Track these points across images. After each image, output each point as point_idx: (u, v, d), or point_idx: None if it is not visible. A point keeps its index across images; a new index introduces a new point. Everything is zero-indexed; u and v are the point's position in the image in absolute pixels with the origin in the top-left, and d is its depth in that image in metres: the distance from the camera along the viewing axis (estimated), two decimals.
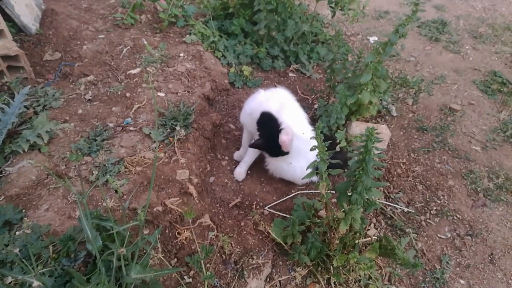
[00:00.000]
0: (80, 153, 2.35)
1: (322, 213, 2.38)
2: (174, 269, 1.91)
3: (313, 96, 3.41)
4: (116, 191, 2.12)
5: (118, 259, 1.67)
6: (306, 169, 2.02)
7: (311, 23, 3.75)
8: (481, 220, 2.57)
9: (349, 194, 2.03)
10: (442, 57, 3.86)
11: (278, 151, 2.40)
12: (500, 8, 4.61)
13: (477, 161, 2.91)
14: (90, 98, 2.82)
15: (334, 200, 2.20)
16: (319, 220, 2.32)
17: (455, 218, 2.59)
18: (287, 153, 2.43)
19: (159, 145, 2.50)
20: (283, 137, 2.32)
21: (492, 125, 3.18)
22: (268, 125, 2.39)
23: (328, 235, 2.26)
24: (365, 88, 2.67)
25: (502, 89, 3.45)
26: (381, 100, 3.08)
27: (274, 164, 2.61)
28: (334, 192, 2.29)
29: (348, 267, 2.20)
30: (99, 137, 2.48)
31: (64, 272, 1.73)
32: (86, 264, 1.82)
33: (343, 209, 2.10)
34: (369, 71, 2.59)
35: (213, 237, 2.19)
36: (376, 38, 4.11)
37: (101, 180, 2.15)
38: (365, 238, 2.42)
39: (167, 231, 2.19)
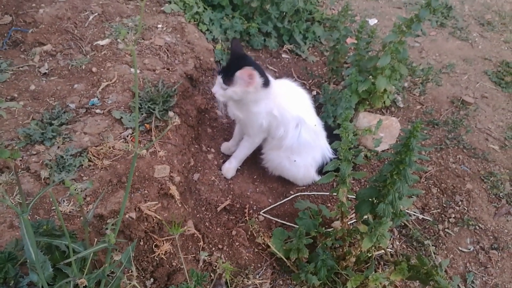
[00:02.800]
0: (29, 140, 1.83)
1: (336, 223, 1.96)
2: None
3: (310, 81, 2.98)
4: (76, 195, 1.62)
5: None
6: (324, 170, 1.60)
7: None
8: (506, 230, 2.23)
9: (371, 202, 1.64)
10: (449, 44, 3.50)
11: None
12: None
13: (497, 162, 2.56)
14: (46, 71, 2.28)
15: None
16: (328, 231, 1.91)
17: (477, 228, 2.24)
18: None
19: (132, 133, 2.01)
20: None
21: (509, 121, 2.84)
22: None
23: (341, 250, 1.85)
24: (381, 73, 2.26)
25: None
26: (395, 88, 2.67)
27: (275, 162, 2.17)
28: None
29: None
30: (56, 120, 1.96)
31: None
32: None
33: (362, 220, 1.70)
34: (388, 52, 2.18)
35: (206, 258, 1.72)
36: (376, 21, 3.70)
37: (56, 177, 1.65)
38: (377, 250, 2.04)
39: (141, 243, 1.72)
